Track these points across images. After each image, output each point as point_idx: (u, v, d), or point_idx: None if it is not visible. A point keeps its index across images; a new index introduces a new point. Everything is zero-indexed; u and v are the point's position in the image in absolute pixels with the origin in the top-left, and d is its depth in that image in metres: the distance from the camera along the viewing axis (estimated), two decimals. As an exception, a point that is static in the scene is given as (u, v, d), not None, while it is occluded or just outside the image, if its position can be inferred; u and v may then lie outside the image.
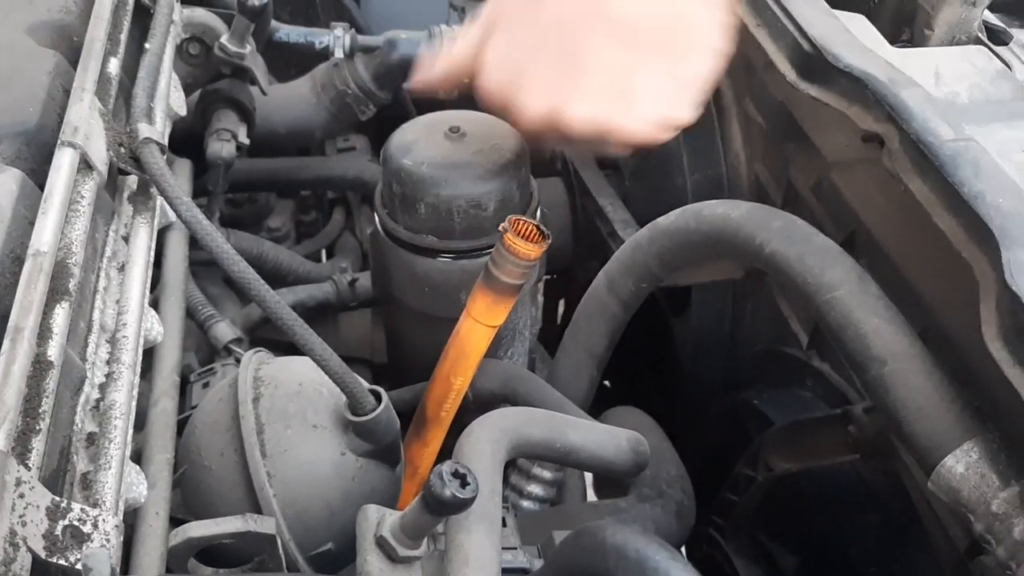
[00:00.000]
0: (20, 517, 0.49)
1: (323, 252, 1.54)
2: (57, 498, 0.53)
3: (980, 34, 0.99)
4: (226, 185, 1.14)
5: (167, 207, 0.86)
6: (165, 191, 0.73)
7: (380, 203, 1.01)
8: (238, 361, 1.03)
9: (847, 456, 0.96)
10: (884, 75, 0.85)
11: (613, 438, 0.86)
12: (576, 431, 0.84)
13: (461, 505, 0.57)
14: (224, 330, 1.06)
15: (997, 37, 1.00)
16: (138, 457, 0.74)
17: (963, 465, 0.68)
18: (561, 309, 1.69)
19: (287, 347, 1.12)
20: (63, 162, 0.69)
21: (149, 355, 0.81)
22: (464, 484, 0.57)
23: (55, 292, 0.62)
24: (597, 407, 1.08)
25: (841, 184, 1.02)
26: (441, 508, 0.58)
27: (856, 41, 0.92)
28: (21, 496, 0.50)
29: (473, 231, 0.96)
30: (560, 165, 1.53)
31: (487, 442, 0.75)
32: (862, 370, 0.76)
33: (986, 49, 0.96)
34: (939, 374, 0.72)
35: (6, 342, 0.55)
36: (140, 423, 0.77)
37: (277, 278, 1.31)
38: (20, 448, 0.53)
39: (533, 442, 0.80)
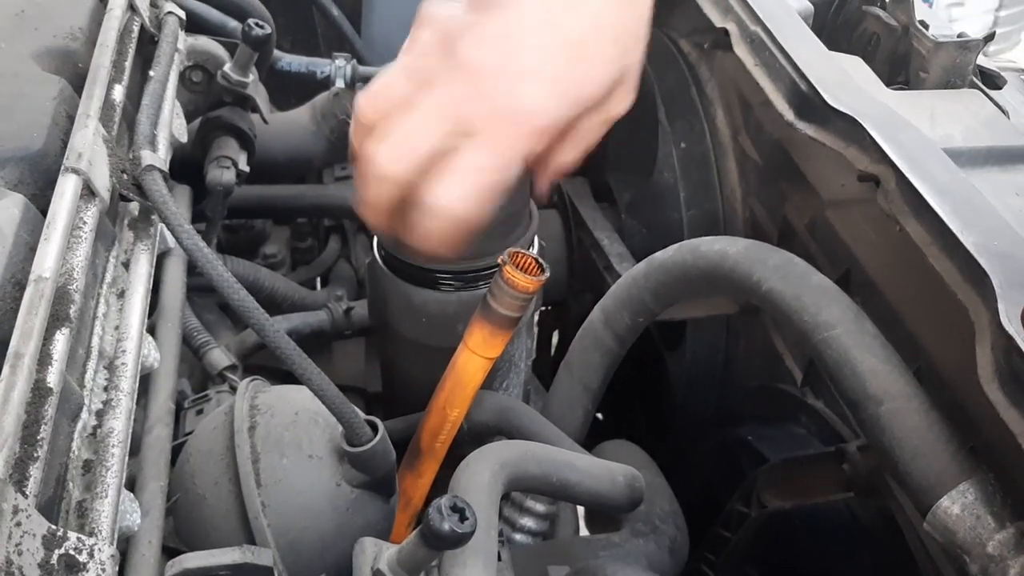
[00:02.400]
0: (16, 546, 0.49)
1: (318, 280, 1.55)
2: (53, 526, 0.53)
3: (975, 78, 1.01)
4: (225, 212, 1.15)
5: (166, 233, 0.86)
6: (167, 219, 0.73)
7: None
8: (232, 388, 1.03)
9: (841, 494, 0.96)
10: (880, 117, 0.87)
11: (609, 473, 0.86)
12: (572, 466, 0.84)
13: (459, 540, 0.57)
14: (219, 357, 1.06)
15: (991, 81, 1.01)
16: (132, 484, 0.74)
17: (959, 506, 0.68)
18: (555, 340, 1.70)
19: (282, 374, 1.12)
20: (66, 188, 0.69)
21: (144, 381, 0.81)
22: (463, 518, 0.56)
23: (55, 318, 0.61)
24: (590, 440, 1.08)
25: (836, 223, 1.03)
26: (439, 542, 0.57)
27: (853, 83, 0.93)
28: (18, 524, 0.49)
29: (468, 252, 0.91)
30: (556, 197, 1.54)
31: (484, 475, 0.74)
32: (858, 409, 0.77)
33: (980, 93, 0.98)
34: (935, 414, 0.72)
35: (6, 368, 0.55)
36: (134, 449, 0.76)
37: (272, 305, 1.31)
38: (18, 475, 0.53)
39: (529, 476, 0.79)
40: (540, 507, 1.01)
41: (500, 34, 0.69)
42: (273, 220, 1.56)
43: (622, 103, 0.76)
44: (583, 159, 0.78)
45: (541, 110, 0.70)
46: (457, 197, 0.69)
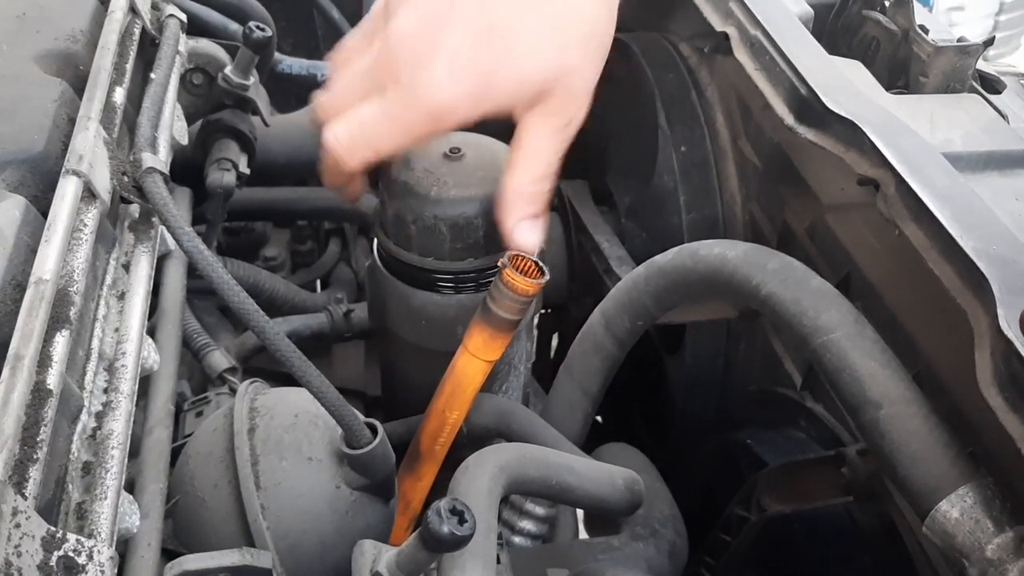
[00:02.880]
0: (15, 547, 0.49)
1: (318, 283, 1.55)
2: (52, 528, 0.53)
3: (974, 83, 1.01)
4: (225, 214, 1.15)
5: (166, 235, 0.86)
6: (168, 221, 0.73)
7: (377, 224, 1.01)
8: (232, 390, 1.03)
9: (840, 498, 0.96)
10: (880, 121, 0.87)
11: (609, 476, 0.86)
12: (572, 469, 0.84)
13: (458, 542, 0.57)
14: (219, 359, 1.06)
15: (991, 86, 1.01)
16: (131, 486, 0.74)
17: (958, 510, 0.68)
18: (555, 344, 1.70)
19: (281, 377, 1.12)
20: (67, 190, 0.69)
21: (144, 383, 0.81)
22: (462, 521, 0.56)
23: (56, 320, 0.62)
24: (588, 443, 1.08)
25: (836, 227, 1.03)
26: (438, 545, 0.57)
27: (853, 87, 0.93)
28: (17, 526, 0.50)
29: (464, 251, 0.94)
30: (556, 201, 1.54)
31: (483, 478, 0.74)
32: (857, 413, 0.77)
33: (980, 98, 0.98)
34: (935, 419, 0.73)
35: (6, 370, 0.55)
36: (133, 451, 0.76)
37: (272, 307, 1.31)
38: (17, 477, 0.53)
39: (529, 479, 0.79)
40: (539, 510, 1.01)
41: (431, 8, 0.69)
42: (273, 223, 1.56)
43: (568, 111, 0.74)
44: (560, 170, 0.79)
45: (439, 93, 0.69)
46: (336, 136, 0.76)
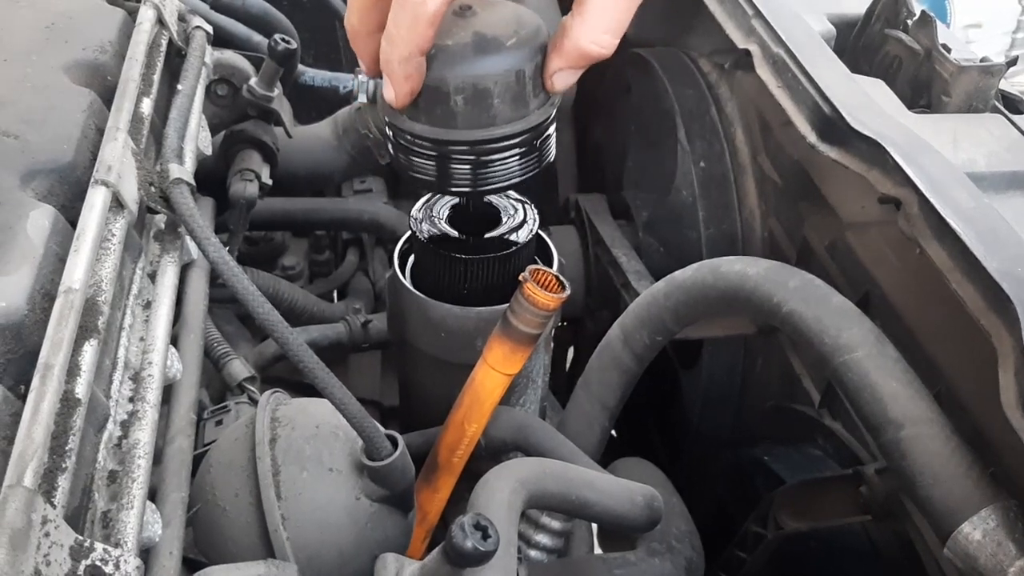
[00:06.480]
0: (44, 556, 0.50)
1: (335, 293, 1.56)
2: (80, 537, 0.53)
3: (997, 102, 1.01)
4: (247, 224, 1.15)
5: (189, 244, 0.87)
6: (194, 232, 0.74)
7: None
8: (252, 400, 1.03)
9: (858, 517, 0.95)
10: (903, 140, 0.87)
11: (628, 493, 0.86)
12: (591, 485, 0.84)
13: (482, 557, 0.57)
14: (238, 368, 1.07)
15: (1014, 106, 1.01)
16: (153, 495, 0.74)
17: (980, 532, 0.68)
18: (570, 357, 1.70)
19: (299, 386, 1.13)
20: (96, 200, 0.70)
21: (166, 392, 0.81)
22: (485, 536, 0.57)
23: (84, 329, 0.62)
24: (604, 457, 1.08)
25: (856, 245, 1.03)
26: (462, 560, 0.57)
27: (875, 106, 0.93)
28: (46, 535, 0.50)
29: (477, 119, 0.82)
30: (573, 214, 1.55)
31: (503, 492, 0.75)
32: (878, 432, 0.76)
33: (1003, 117, 0.98)
34: (956, 439, 0.72)
35: (36, 379, 0.56)
36: (155, 460, 0.77)
37: (291, 317, 1.32)
38: (46, 486, 0.53)
39: (548, 494, 0.79)
40: (556, 524, 1.01)
41: None
42: (292, 232, 1.57)
43: None
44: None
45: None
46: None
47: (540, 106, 0.84)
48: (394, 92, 0.79)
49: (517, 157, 0.86)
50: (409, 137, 0.85)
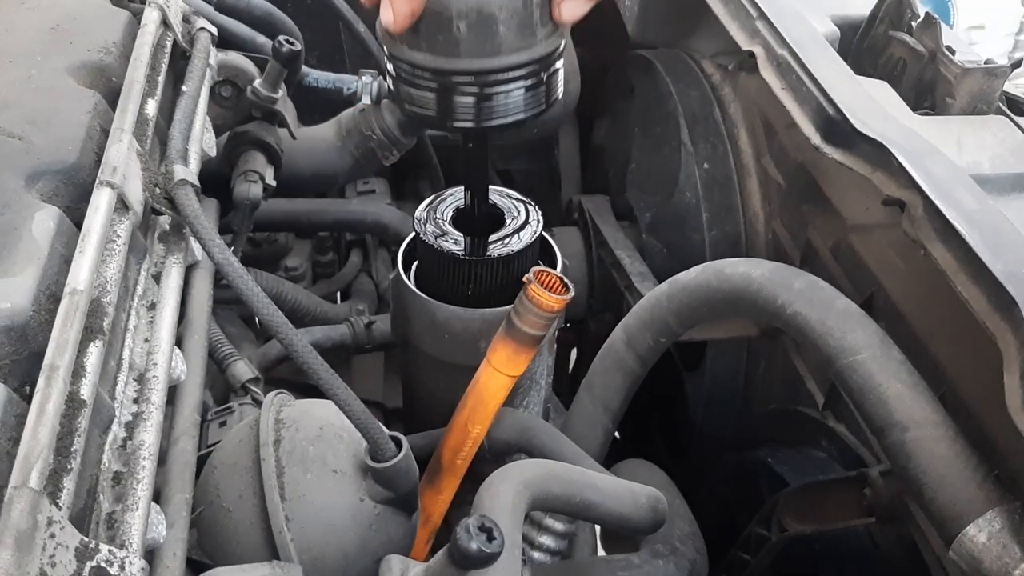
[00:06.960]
0: (50, 558, 0.49)
1: (338, 294, 1.56)
2: (85, 538, 0.53)
3: (1001, 104, 1.01)
4: (251, 225, 1.15)
5: (192, 245, 0.87)
6: (199, 234, 0.74)
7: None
8: (255, 401, 1.03)
9: (862, 519, 0.95)
10: (908, 142, 0.87)
11: (632, 495, 0.86)
12: (596, 487, 0.84)
13: (487, 560, 0.57)
14: (242, 369, 1.07)
15: (1018, 108, 1.01)
16: (157, 496, 0.74)
17: (985, 535, 0.68)
18: (573, 359, 1.70)
19: (303, 387, 1.13)
20: (101, 202, 0.70)
21: (170, 393, 0.81)
22: (490, 538, 0.57)
23: (89, 331, 0.62)
24: (607, 459, 1.08)
25: (860, 247, 1.03)
26: (467, 562, 0.57)
27: (880, 108, 0.93)
28: (52, 536, 0.50)
29: (481, 47, 0.78)
30: (577, 215, 1.55)
31: (507, 494, 0.74)
32: (882, 435, 0.76)
33: (1007, 119, 0.98)
34: (962, 442, 0.72)
35: (41, 380, 0.56)
36: (159, 461, 0.76)
37: (295, 318, 1.32)
38: (52, 487, 0.53)
39: (553, 496, 0.79)
40: (559, 525, 1.01)
41: None
42: (296, 234, 1.57)
43: None
44: None
45: None
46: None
47: (548, 36, 0.80)
48: (393, 14, 0.75)
49: (523, 90, 0.81)
50: (409, 67, 0.80)
